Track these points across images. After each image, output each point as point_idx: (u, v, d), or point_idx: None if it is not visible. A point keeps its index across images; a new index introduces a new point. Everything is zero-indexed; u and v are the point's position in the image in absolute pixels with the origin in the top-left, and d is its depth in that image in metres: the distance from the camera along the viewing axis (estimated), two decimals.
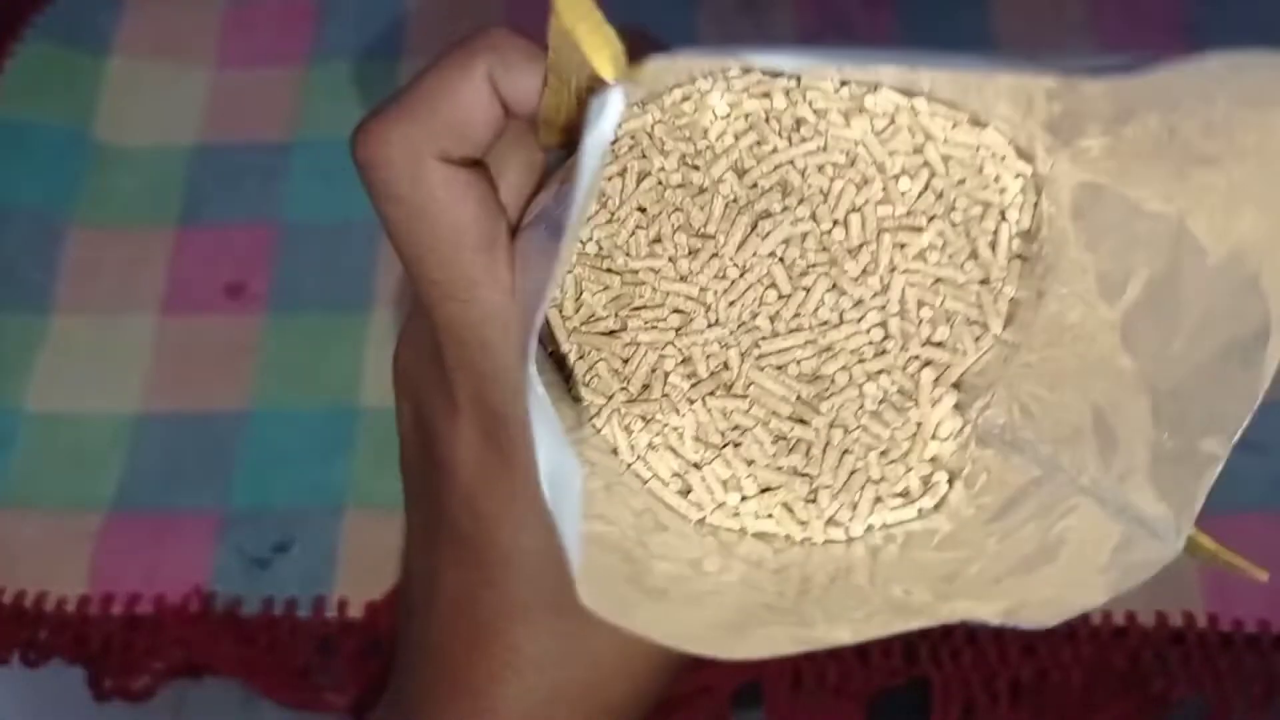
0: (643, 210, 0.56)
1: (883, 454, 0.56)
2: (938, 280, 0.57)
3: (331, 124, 0.69)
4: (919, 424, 0.56)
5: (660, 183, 0.56)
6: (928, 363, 0.56)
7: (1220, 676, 0.63)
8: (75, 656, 0.57)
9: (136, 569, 0.57)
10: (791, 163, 0.56)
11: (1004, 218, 0.57)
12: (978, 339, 0.56)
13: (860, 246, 0.56)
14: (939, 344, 0.60)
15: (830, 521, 0.55)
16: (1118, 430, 0.44)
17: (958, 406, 0.56)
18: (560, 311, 0.55)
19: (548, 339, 0.55)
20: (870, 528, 0.55)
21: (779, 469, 0.55)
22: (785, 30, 0.82)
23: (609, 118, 0.35)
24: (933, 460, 0.56)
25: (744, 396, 0.56)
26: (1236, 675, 0.62)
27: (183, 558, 0.58)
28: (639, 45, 0.39)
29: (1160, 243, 0.47)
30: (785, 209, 0.56)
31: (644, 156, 0.56)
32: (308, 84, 0.73)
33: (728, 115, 0.57)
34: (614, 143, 0.56)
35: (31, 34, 0.67)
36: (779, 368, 0.55)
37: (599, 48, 0.36)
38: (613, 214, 0.55)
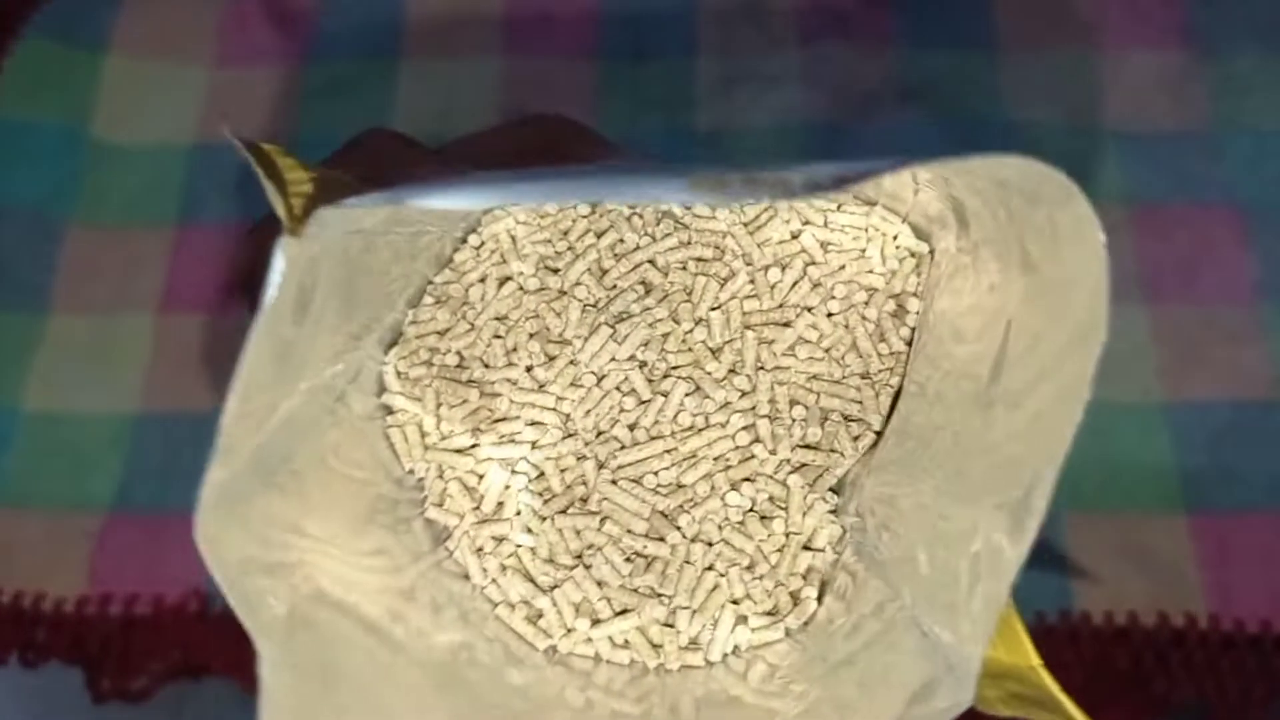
0: (500, 319, 0.56)
1: (748, 569, 0.53)
2: (812, 376, 0.54)
3: (330, 123, 0.72)
4: (789, 534, 0.53)
5: (520, 288, 0.56)
6: (800, 466, 0.54)
7: (1222, 677, 0.61)
8: (73, 657, 0.59)
9: (135, 569, 0.61)
10: (652, 261, 0.56)
11: (899, 305, 0.57)
12: (856, 438, 0.53)
13: (724, 345, 0.54)
14: (812, 446, 0.57)
15: (689, 645, 0.51)
16: (947, 560, 0.44)
17: (834, 512, 0.52)
18: (420, 428, 0.54)
19: (400, 458, 0.58)
20: (735, 649, 0.51)
21: (634, 590, 0.53)
22: (786, 32, 0.81)
23: (275, 272, 0.39)
24: (805, 573, 0.52)
25: (597, 513, 0.54)
26: (1238, 676, 0.61)
27: (181, 558, 0.60)
28: (332, 187, 0.41)
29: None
30: (645, 309, 0.55)
31: (503, 261, 0.57)
32: (306, 82, 0.76)
33: (590, 214, 0.56)
34: (478, 247, 0.56)
35: (30, 31, 0.73)
36: (635, 480, 0.54)
37: (277, 203, 0.38)
38: (472, 324, 0.56)
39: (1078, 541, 0.64)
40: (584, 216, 0.61)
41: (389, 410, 0.60)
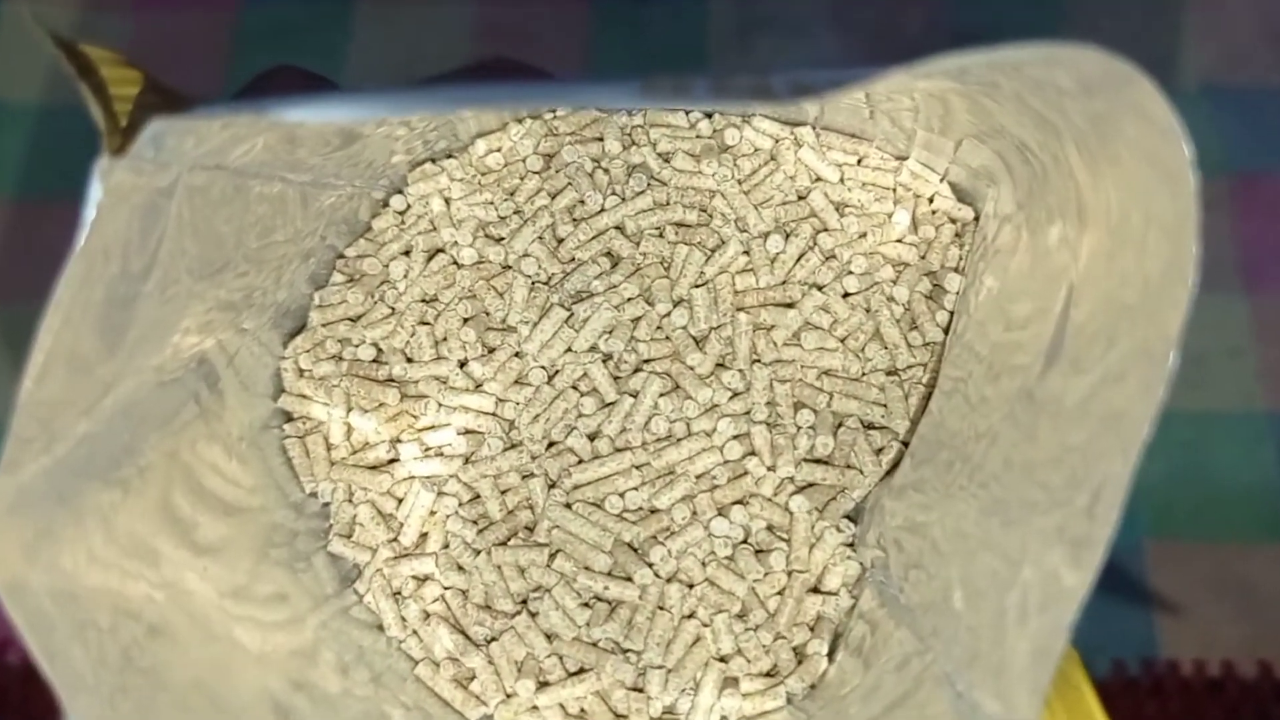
0: (428, 300, 0.52)
1: (739, 617, 0.49)
2: (824, 372, 0.50)
3: None
4: (792, 572, 0.49)
5: (453, 261, 0.52)
6: (806, 486, 0.50)
7: None
8: None
9: None
10: (620, 226, 0.52)
11: (936, 284, 0.54)
12: (879, 451, 0.49)
13: (710, 332, 0.50)
14: (823, 460, 0.53)
15: (664, 715, 0.48)
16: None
17: (850, 545, 0.48)
18: (326, 440, 0.50)
19: (300, 476, 0.54)
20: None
21: (592, 644, 0.49)
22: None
23: (92, 204, 0.35)
24: (813, 623, 0.48)
25: (546, 545, 0.50)
26: None
27: None
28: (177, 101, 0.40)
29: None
30: (610, 287, 0.51)
31: (432, 229, 0.53)
32: (244, 28, 0.75)
33: (542, 169, 0.52)
34: (402, 212, 0.52)
35: None
36: (595, 503, 0.51)
37: (95, 112, 0.37)
38: (392, 307, 0.52)
39: (1164, 576, 0.61)
40: (535, 173, 0.57)
41: (287, 417, 0.56)
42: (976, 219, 0.55)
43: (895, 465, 0.52)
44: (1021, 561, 0.38)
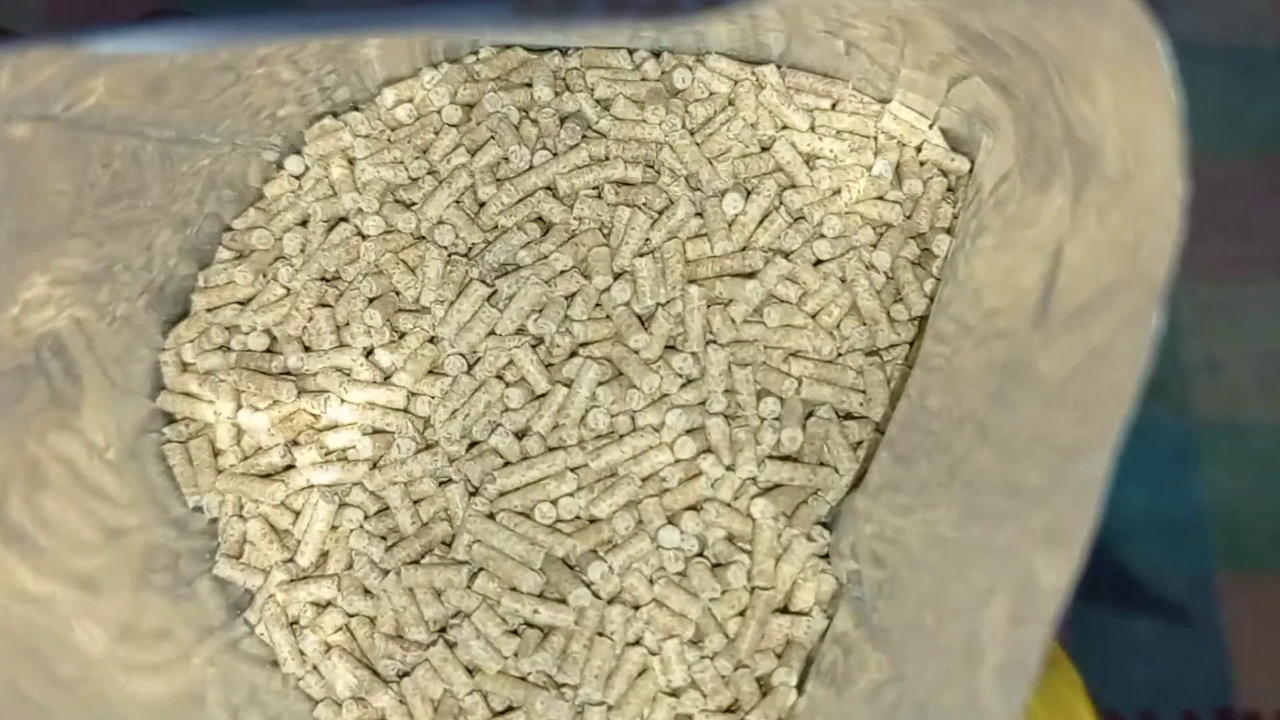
0: (328, 279, 0.47)
1: (693, 644, 0.46)
2: (791, 354, 0.45)
3: None
4: (755, 589, 0.45)
5: (357, 232, 0.47)
6: (771, 488, 0.46)
7: None
8: None
9: None
10: (551, 186, 0.47)
11: (924, 248, 0.50)
12: (857, 445, 0.44)
13: (657, 308, 0.45)
14: (792, 457, 0.48)
15: None
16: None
17: (825, 557, 0.43)
18: (212, 444, 0.45)
19: (182, 488, 0.50)
20: None
21: (520, 678, 0.45)
22: None
23: None
24: (780, 649, 0.44)
25: (465, 563, 0.45)
26: None
27: None
28: None
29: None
30: (540, 259, 0.46)
31: (333, 194, 0.48)
32: None
33: (461, 122, 0.47)
34: (299, 175, 0.48)
35: None
36: (523, 513, 0.46)
37: None
38: (286, 287, 0.46)
39: (1238, 612, 0.58)
40: (452, 126, 0.52)
41: (168, 419, 0.51)
42: (971, 170, 0.49)
43: (869, 460, 0.47)
44: (999, 569, 0.35)
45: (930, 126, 0.51)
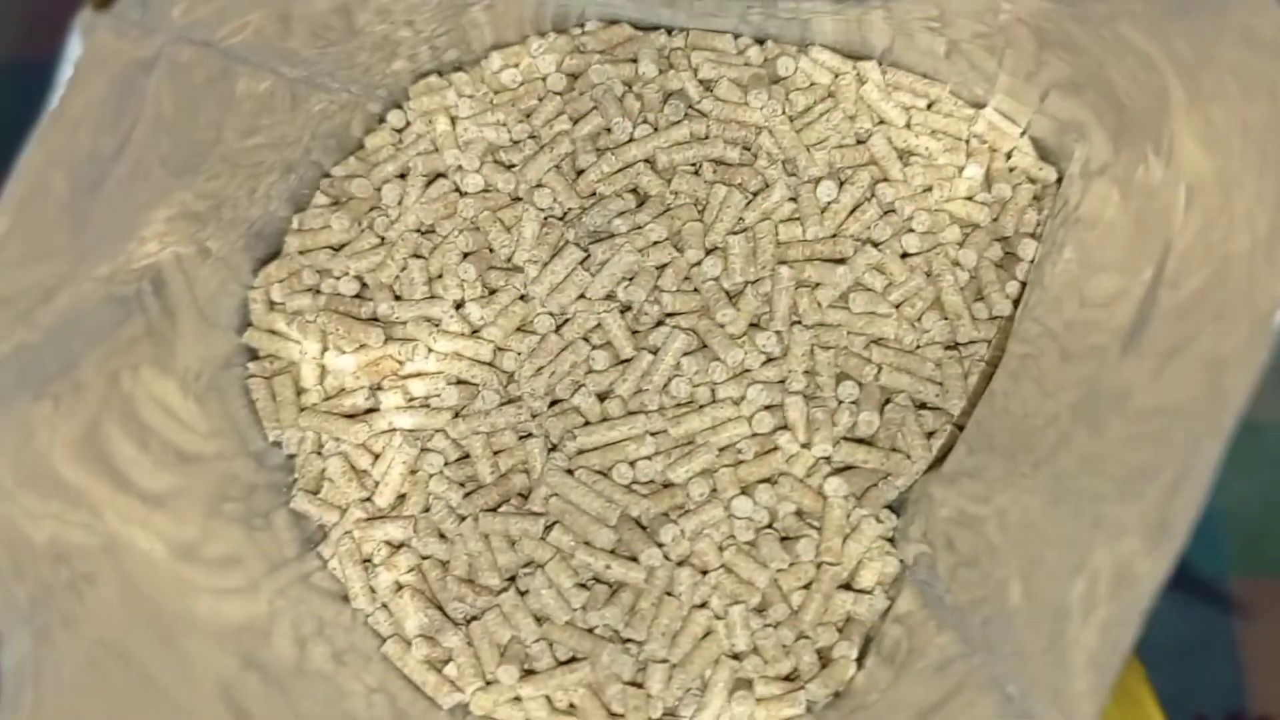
0: (424, 232, 0.50)
1: (757, 611, 0.47)
2: (873, 341, 0.47)
3: None
4: (822, 564, 0.47)
5: (455, 188, 0.50)
6: (845, 469, 0.48)
7: None
8: None
9: None
10: (650, 159, 0.50)
11: (1009, 251, 0.53)
12: (931, 434, 0.47)
13: (746, 286, 0.48)
14: (866, 441, 0.50)
15: (664, 718, 0.45)
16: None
17: (890, 540, 0.45)
18: (296, 382, 0.48)
19: (264, 422, 0.53)
20: None
21: (587, 630, 0.48)
22: None
23: (69, 63, 0.35)
24: (842, 624, 0.46)
25: (542, 515, 0.47)
26: None
27: None
28: None
29: None
30: (634, 229, 0.49)
31: (434, 150, 0.51)
32: None
33: (565, 90, 0.50)
34: (400, 129, 0.50)
35: None
36: (602, 472, 0.49)
37: None
38: (381, 237, 0.49)
39: (1254, 618, 0.59)
40: (556, 94, 0.55)
41: (252, 354, 0.54)
42: (1059, 181, 0.52)
43: (946, 451, 0.50)
44: (1090, 549, 0.36)
45: (1022, 134, 0.53)
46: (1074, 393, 0.42)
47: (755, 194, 0.53)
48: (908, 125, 0.54)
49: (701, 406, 0.51)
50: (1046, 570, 0.39)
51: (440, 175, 0.55)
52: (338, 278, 0.54)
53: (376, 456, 0.53)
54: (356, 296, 0.54)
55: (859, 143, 0.54)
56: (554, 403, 0.52)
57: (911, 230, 0.53)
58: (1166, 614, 0.59)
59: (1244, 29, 0.31)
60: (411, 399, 0.53)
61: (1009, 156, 0.54)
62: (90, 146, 0.37)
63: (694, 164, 0.54)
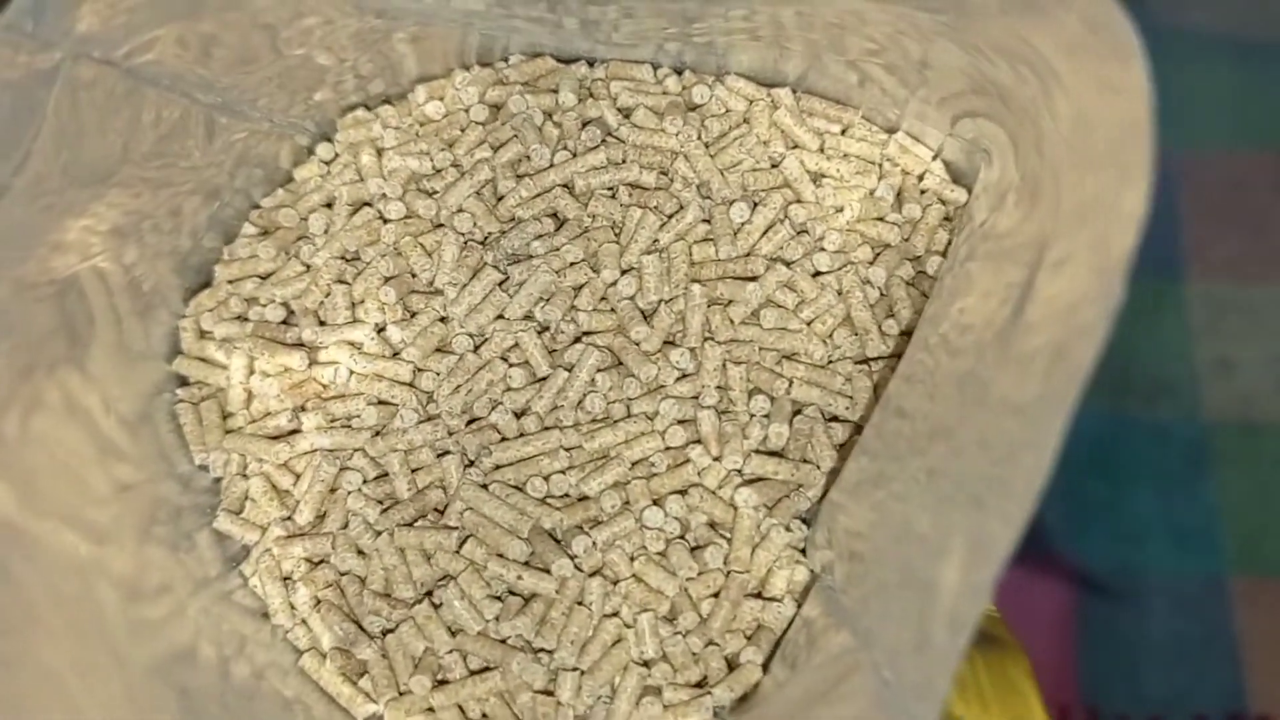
0: (348, 259, 0.53)
1: (667, 619, 0.49)
2: (785, 356, 0.51)
3: None
4: (731, 573, 0.50)
5: (379, 216, 0.53)
6: (755, 480, 0.51)
7: None
8: None
9: None
10: (568, 184, 0.53)
11: (919, 270, 0.56)
12: (840, 446, 0.49)
13: (660, 305, 0.51)
14: (777, 453, 0.53)
15: None
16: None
17: (801, 550, 0.48)
18: (222, 407, 0.51)
19: (190, 446, 0.56)
20: None
21: (499, 641, 0.50)
22: None
23: None
24: (751, 631, 0.49)
25: (456, 529, 0.50)
26: None
27: None
28: None
29: None
30: (551, 250, 0.52)
31: (359, 180, 0.55)
32: None
33: (488, 120, 0.54)
34: (329, 161, 0.54)
35: None
36: (516, 486, 0.52)
37: None
38: (307, 264, 0.53)
39: (1252, 617, 0.60)
40: (479, 124, 0.59)
41: (181, 381, 0.57)
42: (968, 202, 0.55)
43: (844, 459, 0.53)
44: (953, 532, 0.39)
45: (934, 158, 0.57)
46: (952, 392, 0.45)
47: (670, 216, 0.57)
48: (821, 149, 0.58)
49: (616, 421, 0.54)
50: (919, 561, 0.42)
51: (365, 204, 0.59)
52: (264, 305, 0.58)
53: (298, 476, 0.56)
54: (283, 323, 0.58)
55: (773, 166, 0.58)
56: (471, 420, 0.55)
57: (823, 249, 0.56)
58: (1166, 614, 0.61)
59: (1084, 17, 0.34)
60: (333, 420, 0.56)
61: (920, 179, 0.57)
62: None
63: (611, 188, 0.58)
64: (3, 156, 0.42)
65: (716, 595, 0.53)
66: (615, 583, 0.53)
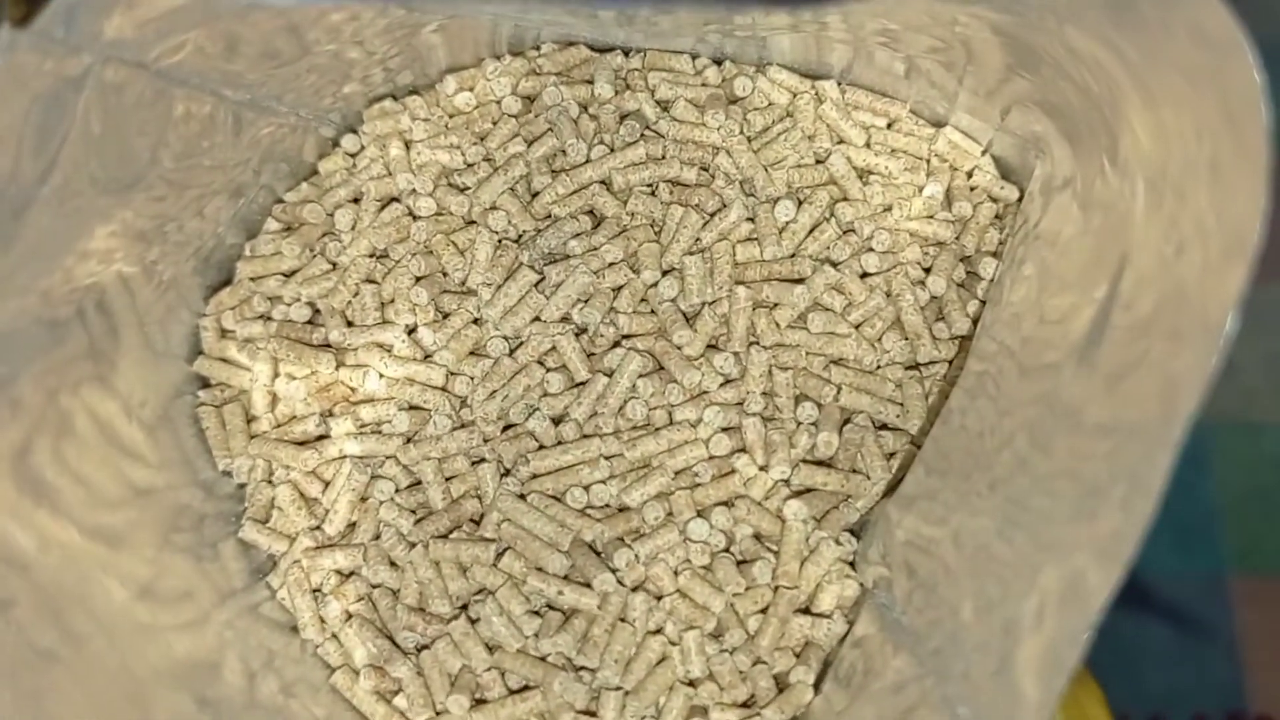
0: (377, 256, 0.53)
1: (713, 636, 0.49)
2: (833, 361, 0.50)
3: None
4: (779, 588, 0.49)
5: (408, 212, 0.53)
6: (804, 491, 0.50)
7: None
8: None
9: None
10: (606, 181, 0.53)
11: (971, 270, 0.56)
12: (891, 455, 0.49)
13: (704, 307, 0.51)
14: (825, 463, 0.53)
15: None
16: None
17: (850, 563, 0.48)
18: (246, 410, 0.51)
19: (213, 451, 0.55)
20: None
21: (540, 658, 0.50)
22: None
23: None
24: (800, 648, 0.48)
25: (493, 541, 0.50)
26: None
27: None
28: None
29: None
30: (589, 250, 0.52)
31: (387, 174, 0.54)
32: None
33: (520, 113, 0.53)
34: (354, 154, 0.54)
35: None
36: (555, 496, 0.51)
37: None
38: (333, 262, 0.52)
39: (1252, 617, 0.60)
40: (512, 116, 0.58)
41: (203, 383, 0.57)
42: (1021, 199, 0.55)
43: (905, 472, 0.52)
44: (1040, 570, 0.38)
45: (983, 153, 0.56)
46: (1029, 410, 0.44)
47: (712, 214, 0.56)
48: (867, 144, 0.57)
49: (658, 429, 0.54)
50: (997, 592, 0.41)
51: (394, 199, 0.58)
52: (289, 304, 0.57)
53: (327, 485, 0.56)
54: (308, 323, 0.57)
55: (818, 162, 0.57)
56: (507, 427, 0.55)
57: (871, 250, 0.56)
58: (1166, 613, 0.60)
59: (1192, 27, 0.33)
60: (363, 425, 0.56)
61: (970, 175, 0.57)
62: (11, 167, 0.40)
63: (650, 185, 0.57)
64: (33, 172, 0.41)
65: (764, 611, 0.52)
66: (659, 598, 0.52)
